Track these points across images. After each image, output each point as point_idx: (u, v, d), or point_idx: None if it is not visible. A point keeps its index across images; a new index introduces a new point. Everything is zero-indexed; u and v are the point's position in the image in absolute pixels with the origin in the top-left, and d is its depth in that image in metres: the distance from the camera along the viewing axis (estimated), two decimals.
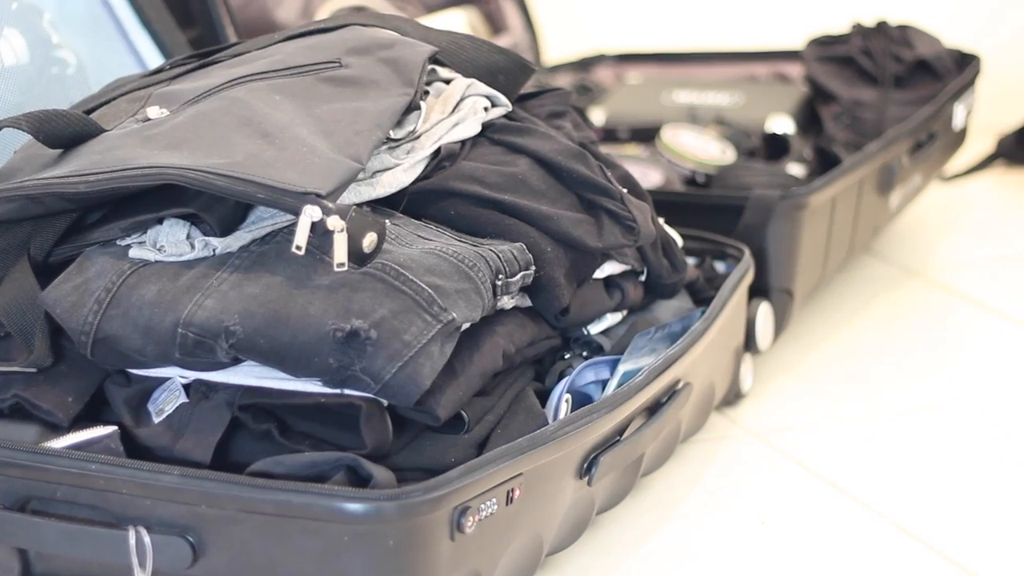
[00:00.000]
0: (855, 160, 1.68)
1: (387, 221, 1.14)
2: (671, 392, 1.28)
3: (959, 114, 1.92)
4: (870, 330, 1.74)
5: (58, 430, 1.14)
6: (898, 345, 1.69)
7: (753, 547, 1.28)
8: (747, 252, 1.48)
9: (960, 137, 1.98)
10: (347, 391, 1.10)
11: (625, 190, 1.30)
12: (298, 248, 1.08)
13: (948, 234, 2.05)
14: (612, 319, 1.31)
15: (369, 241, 1.08)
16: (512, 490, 1.09)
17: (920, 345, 1.68)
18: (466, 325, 1.13)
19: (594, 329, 1.30)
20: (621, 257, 1.30)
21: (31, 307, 1.17)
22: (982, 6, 2.50)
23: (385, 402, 1.10)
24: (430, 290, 1.11)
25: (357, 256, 1.08)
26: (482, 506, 1.06)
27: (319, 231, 1.08)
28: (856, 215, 1.72)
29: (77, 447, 1.12)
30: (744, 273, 1.44)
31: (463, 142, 1.27)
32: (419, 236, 1.19)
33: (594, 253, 1.26)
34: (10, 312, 1.17)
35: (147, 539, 1.06)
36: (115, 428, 1.13)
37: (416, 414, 1.11)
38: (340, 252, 1.08)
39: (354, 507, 1.02)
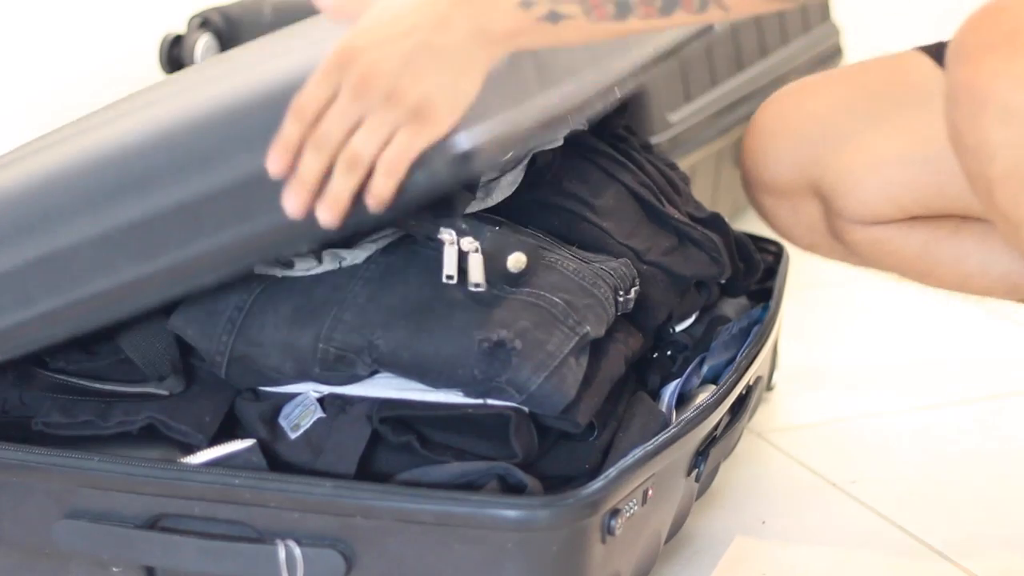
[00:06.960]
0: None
1: (537, 244, 1.14)
2: (749, 387, 1.30)
3: None
4: (870, 330, 1.74)
5: (185, 450, 1.13)
6: (898, 345, 1.69)
7: (753, 547, 1.27)
8: (785, 250, 1.51)
9: None
10: (490, 401, 1.11)
11: (706, 222, 1.32)
12: (449, 278, 1.09)
13: None
14: (691, 318, 1.34)
15: (515, 261, 1.10)
16: (647, 490, 1.11)
17: (920, 345, 1.68)
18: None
19: (677, 328, 1.31)
20: None
21: (158, 337, 1.16)
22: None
23: (527, 410, 1.11)
24: (563, 303, 1.12)
25: (503, 276, 1.09)
26: (626, 508, 1.08)
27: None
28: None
29: (216, 462, 1.11)
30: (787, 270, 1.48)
31: (553, 150, 1.28)
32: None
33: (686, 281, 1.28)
34: (138, 346, 1.16)
35: (297, 552, 1.05)
36: (254, 441, 1.12)
37: (557, 422, 1.12)
38: (476, 272, 1.09)
39: (518, 515, 1.02)
